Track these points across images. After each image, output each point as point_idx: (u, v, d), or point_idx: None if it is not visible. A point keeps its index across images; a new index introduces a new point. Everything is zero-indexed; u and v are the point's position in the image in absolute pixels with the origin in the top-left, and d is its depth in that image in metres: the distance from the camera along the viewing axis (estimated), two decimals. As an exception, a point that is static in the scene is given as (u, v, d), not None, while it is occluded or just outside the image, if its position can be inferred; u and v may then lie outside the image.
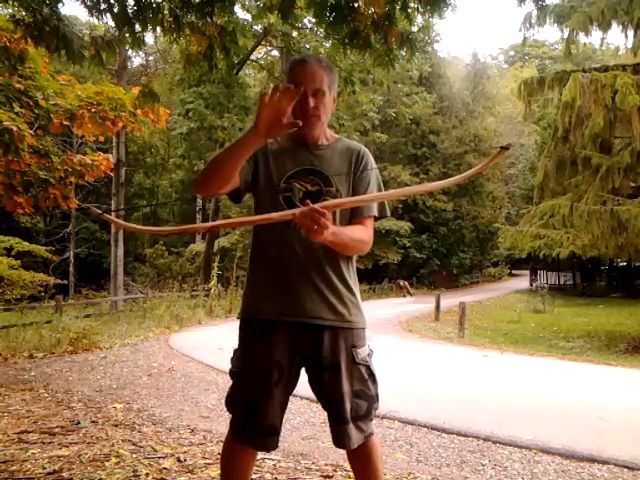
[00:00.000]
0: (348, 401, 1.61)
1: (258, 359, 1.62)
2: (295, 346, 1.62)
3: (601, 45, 23.03)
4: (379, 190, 1.74)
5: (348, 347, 1.63)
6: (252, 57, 20.28)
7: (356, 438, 1.62)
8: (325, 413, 1.72)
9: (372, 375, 1.68)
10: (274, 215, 1.48)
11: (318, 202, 1.60)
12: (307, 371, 1.68)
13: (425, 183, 1.70)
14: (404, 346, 8.48)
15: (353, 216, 1.68)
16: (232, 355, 1.71)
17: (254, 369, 1.62)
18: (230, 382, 1.71)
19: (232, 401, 1.69)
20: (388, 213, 1.75)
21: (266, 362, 1.60)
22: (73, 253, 22.68)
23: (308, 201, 1.41)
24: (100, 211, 1.56)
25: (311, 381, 1.69)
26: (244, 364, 1.65)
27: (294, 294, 1.61)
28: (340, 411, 1.61)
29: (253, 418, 1.62)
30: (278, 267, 1.63)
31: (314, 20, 4.02)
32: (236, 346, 1.71)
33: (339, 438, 1.64)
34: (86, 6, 3.74)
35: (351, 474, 1.87)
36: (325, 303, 1.62)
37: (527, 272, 35.37)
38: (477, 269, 35.32)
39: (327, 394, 1.64)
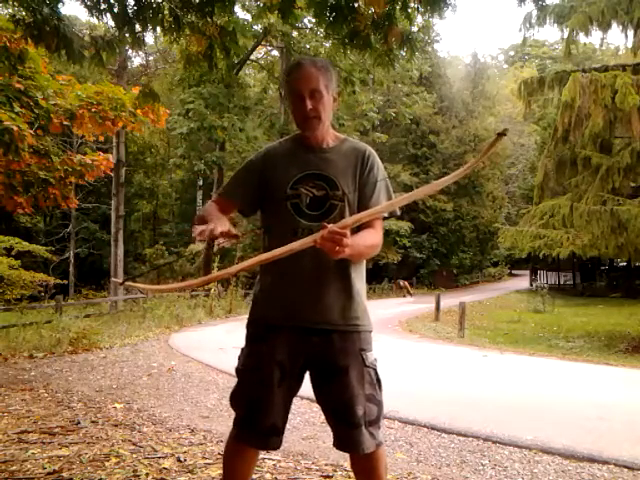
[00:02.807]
0: (360, 405, 1.59)
1: (262, 358, 1.62)
2: (299, 348, 1.61)
3: (601, 45, 23.12)
4: (387, 191, 1.72)
5: (357, 350, 1.62)
6: (252, 57, 20.30)
7: (368, 444, 1.60)
8: None
9: (379, 380, 1.67)
10: (295, 245, 1.46)
11: (325, 207, 1.62)
12: (312, 376, 1.67)
13: (432, 182, 1.67)
14: (404, 346, 8.48)
15: None
16: (239, 353, 1.72)
17: (257, 368, 1.62)
18: (233, 381, 1.73)
19: (235, 398, 1.70)
20: (398, 212, 1.72)
21: (269, 361, 1.60)
22: (73, 253, 22.69)
23: (325, 224, 1.40)
24: (120, 280, 1.58)
25: (317, 386, 1.67)
26: (248, 362, 1.66)
27: (302, 299, 1.61)
28: (351, 415, 1.58)
29: (254, 416, 1.62)
30: (286, 273, 1.62)
31: (314, 20, 4.02)
32: (242, 345, 1.72)
33: (350, 442, 1.61)
34: (86, 6, 3.74)
35: (351, 474, 1.87)
36: (334, 307, 1.62)
37: (527, 272, 35.39)
38: (477, 269, 35.33)
39: (336, 398, 1.61)
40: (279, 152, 1.74)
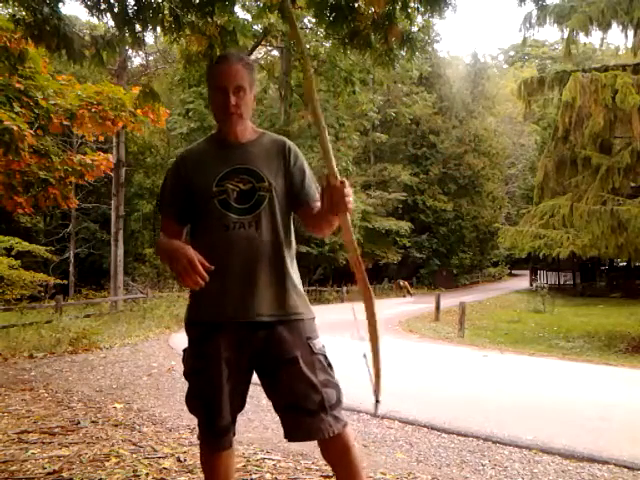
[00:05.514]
0: (317, 392, 1.58)
1: (208, 358, 1.61)
2: (245, 343, 1.61)
3: (601, 45, 23.10)
4: (313, 177, 1.76)
5: (303, 339, 1.62)
6: (252, 57, 20.28)
7: (334, 427, 1.59)
8: None
9: (330, 365, 1.67)
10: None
11: (253, 199, 1.63)
12: (260, 370, 1.66)
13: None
14: (404, 346, 8.47)
15: (303, 205, 1.69)
16: (183, 356, 1.71)
17: (205, 369, 1.61)
18: None
19: (189, 403, 1.70)
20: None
21: (216, 361, 1.59)
22: (73, 253, 22.66)
23: (340, 180, 1.44)
24: None
25: (267, 379, 1.66)
26: (195, 365, 1.65)
27: (240, 295, 1.60)
28: (310, 402, 1.57)
29: (209, 418, 1.63)
30: (220, 270, 1.55)
31: (314, 20, 4.02)
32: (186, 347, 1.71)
33: (313, 429, 1.58)
34: (86, 6, 3.74)
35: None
36: (272, 299, 1.62)
37: (527, 272, 35.39)
38: (477, 269, 35.37)
39: (290, 388, 1.59)
40: (200, 152, 1.75)
